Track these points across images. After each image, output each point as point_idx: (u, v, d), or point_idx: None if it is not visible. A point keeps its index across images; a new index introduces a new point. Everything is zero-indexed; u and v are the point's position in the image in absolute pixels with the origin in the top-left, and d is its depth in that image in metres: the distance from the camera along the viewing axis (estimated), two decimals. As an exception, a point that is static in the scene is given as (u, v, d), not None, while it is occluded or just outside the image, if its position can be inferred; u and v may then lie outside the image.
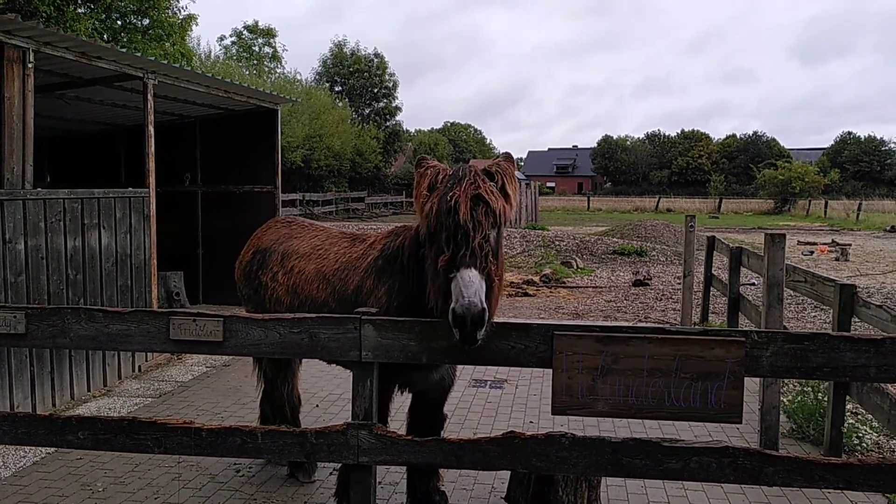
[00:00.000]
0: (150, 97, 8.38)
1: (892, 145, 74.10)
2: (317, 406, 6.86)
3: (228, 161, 12.29)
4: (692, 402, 3.47)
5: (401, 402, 4.66)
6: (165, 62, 8.43)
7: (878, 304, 4.92)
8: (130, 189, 8.28)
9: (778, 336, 3.38)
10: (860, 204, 43.95)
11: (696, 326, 10.02)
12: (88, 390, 7.32)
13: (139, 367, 8.15)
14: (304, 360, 5.68)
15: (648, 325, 10.50)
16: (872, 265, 19.68)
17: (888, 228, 34.27)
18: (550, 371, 3.48)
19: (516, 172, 3.56)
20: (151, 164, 8.54)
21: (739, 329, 3.52)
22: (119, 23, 23.43)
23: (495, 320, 3.42)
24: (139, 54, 7.84)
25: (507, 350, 3.49)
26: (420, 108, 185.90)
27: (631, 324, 10.90)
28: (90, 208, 7.43)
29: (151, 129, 8.47)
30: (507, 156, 3.50)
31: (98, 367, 7.48)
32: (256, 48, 57.33)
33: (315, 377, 7.65)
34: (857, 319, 5.36)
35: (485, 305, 2.98)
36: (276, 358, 5.05)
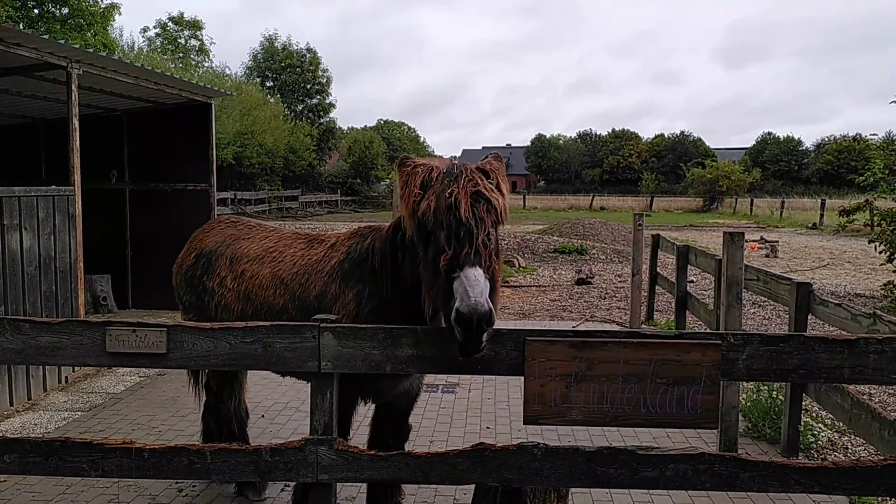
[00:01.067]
0: (74, 88, 7.85)
1: (809, 146, 77.15)
2: (262, 416, 6.52)
3: (158, 157, 11.74)
4: (668, 408, 3.35)
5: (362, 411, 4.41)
6: (91, 51, 7.90)
7: (836, 302, 4.92)
8: (54, 187, 7.74)
9: (754, 338, 3.30)
10: (783, 202, 45.57)
11: (644, 325, 10.05)
12: (11, 404, 6.78)
13: (66, 378, 7.63)
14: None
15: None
16: (800, 261, 20.33)
17: (810, 225, 35.61)
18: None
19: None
20: (76, 161, 8.02)
21: (716, 332, 3.42)
22: (36, 11, 22.30)
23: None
24: (63, 42, 7.32)
25: (476, 357, 3.30)
26: (354, 105, 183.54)
27: (576, 323, 10.88)
28: (10, 208, 6.89)
29: (76, 122, 7.95)
30: (497, 156, 3.32)
31: (21, 379, 6.95)
32: (182, 41, 55.63)
33: (259, 385, 7.29)
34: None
35: (491, 305, 2.78)
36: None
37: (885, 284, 12.76)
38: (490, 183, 3.07)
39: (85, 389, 7.42)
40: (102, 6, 23.52)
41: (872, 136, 15.95)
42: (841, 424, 6.04)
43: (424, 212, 2.97)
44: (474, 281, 2.77)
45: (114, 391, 7.35)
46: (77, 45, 7.50)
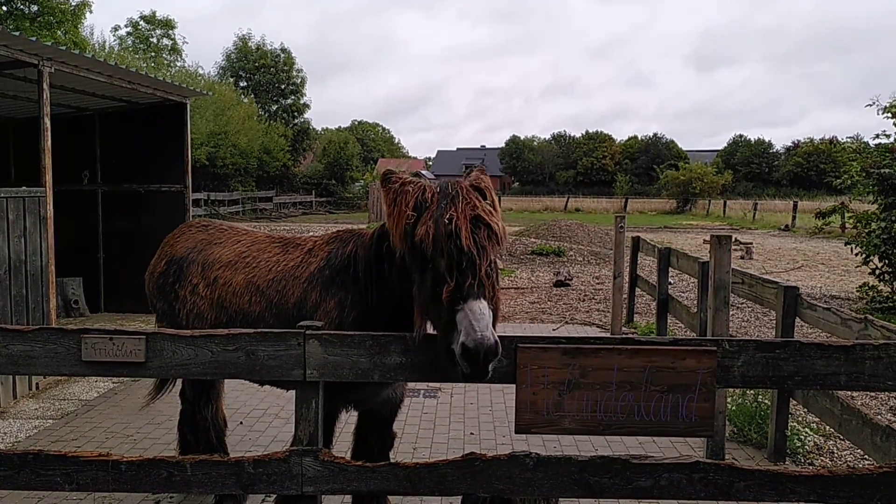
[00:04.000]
0: (46, 87, 7.64)
1: (779, 148, 78.13)
2: (240, 423, 6.36)
3: (132, 158, 11.50)
4: (662, 416, 3.29)
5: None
6: (64, 48, 7.68)
7: (825, 306, 4.90)
8: (24, 188, 7.52)
9: (749, 345, 3.25)
10: (755, 204, 46.05)
11: (624, 328, 10.03)
12: (-22, 413, 6.57)
13: (37, 384, 7.40)
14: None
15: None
16: (775, 263, 20.51)
17: (782, 227, 36.02)
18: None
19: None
20: (48, 161, 7.80)
21: (711, 338, 3.36)
22: (4, 8, 21.80)
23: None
24: (34, 39, 7.10)
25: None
26: (331, 107, 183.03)
27: (556, 326, 10.83)
28: (-22, 209, 6.67)
29: (48, 122, 7.73)
30: (482, 168, 3.22)
31: (-11, 387, 6.72)
32: (154, 40, 54.91)
33: (237, 391, 7.12)
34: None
35: (496, 338, 2.71)
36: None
37: (860, 286, 12.89)
38: (487, 204, 2.97)
39: (57, 396, 7.20)
40: (73, 4, 23.07)
41: (847, 139, 16.11)
42: (827, 429, 6.04)
43: (422, 238, 2.83)
44: (479, 314, 2.69)
45: (87, 398, 7.14)
46: (48, 43, 7.27)
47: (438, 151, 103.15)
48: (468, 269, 2.75)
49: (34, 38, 7.10)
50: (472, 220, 2.84)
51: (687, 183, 52.22)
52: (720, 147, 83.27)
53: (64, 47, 7.77)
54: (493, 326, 2.81)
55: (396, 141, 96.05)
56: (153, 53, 52.98)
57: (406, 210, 2.93)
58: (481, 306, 2.72)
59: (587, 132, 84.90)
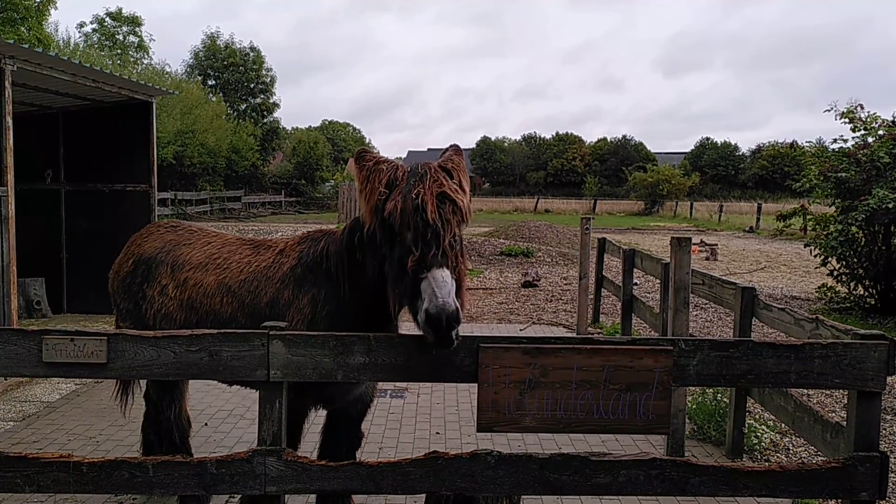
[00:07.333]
0: (8, 85, 7.53)
1: (745, 151, 79.30)
2: (205, 425, 6.34)
3: (97, 157, 11.37)
4: (621, 414, 3.37)
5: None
6: (27, 46, 7.58)
7: (779, 307, 5.02)
8: (-15, 187, 7.41)
9: (704, 344, 3.34)
10: (721, 206, 46.77)
11: (590, 328, 10.15)
12: (-64, 415, 6.45)
13: (-3, 386, 7.29)
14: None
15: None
16: (739, 264, 20.87)
17: (747, 229, 36.63)
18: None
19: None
20: (10, 160, 7.69)
21: (667, 338, 3.45)
22: (-36, 4, 21.38)
23: (415, 333, 3.22)
24: (-5, 36, 7.00)
25: (428, 365, 3.27)
26: (304, 107, 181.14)
27: (524, 326, 10.92)
28: (-64, 209, 6.55)
29: (10, 120, 7.62)
30: (457, 149, 3.32)
31: (-53, 389, 6.61)
32: (120, 37, 54.12)
33: (201, 392, 7.09)
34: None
35: (457, 305, 2.84)
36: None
37: (819, 287, 13.19)
38: (454, 183, 3.10)
39: (18, 398, 7.10)
40: (37, 0, 22.67)
41: (808, 144, 16.47)
42: (783, 426, 6.19)
43: (391, 212, 2.96)
44: (442, 282, 2.81)
45: (49, 399, 7.05)
46: (11, 41, 7.17)
47: (409, 152, 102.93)
48: (432, 240, 2.89)
49: (-5, 36, 7.00)
50: (437, 196, 2.98)
51: (655, 185, 52.81)
52: (688, 150, 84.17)
53: (27, 45, 7.67)
54: (459, 297, 2.95)
55: (367, 141, 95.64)
56: (119, 51, 52.21)
57: (378, 187, 3.06)
58: (444, 274, 2.84)
59: (557, 133, 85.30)
